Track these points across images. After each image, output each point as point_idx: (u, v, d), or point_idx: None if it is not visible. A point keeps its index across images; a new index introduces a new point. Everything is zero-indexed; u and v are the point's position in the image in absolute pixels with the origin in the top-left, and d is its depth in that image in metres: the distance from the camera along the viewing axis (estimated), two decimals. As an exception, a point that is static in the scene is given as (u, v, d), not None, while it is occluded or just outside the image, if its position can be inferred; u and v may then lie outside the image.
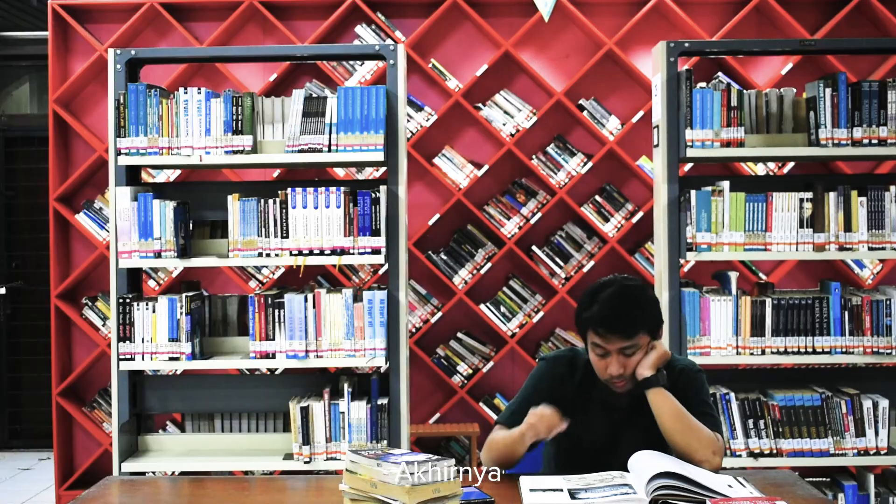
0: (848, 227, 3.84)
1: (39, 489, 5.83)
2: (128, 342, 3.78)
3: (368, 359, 3.77)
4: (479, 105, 5.41)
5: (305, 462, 3.77)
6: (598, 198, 5.39)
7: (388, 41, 5.26)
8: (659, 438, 2.60)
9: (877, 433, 3.87)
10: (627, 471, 2.45)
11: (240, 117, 3.77)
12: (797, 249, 3.85)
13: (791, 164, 5.21)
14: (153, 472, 3.87)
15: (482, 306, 5.37)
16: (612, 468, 2.54)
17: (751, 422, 3.87)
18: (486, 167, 5.38)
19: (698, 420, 2.59)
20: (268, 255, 3.74)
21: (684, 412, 2.57)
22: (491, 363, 5.37)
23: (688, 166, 4.96)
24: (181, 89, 3.78)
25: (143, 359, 3.77)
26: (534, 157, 5.37)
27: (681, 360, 2.75)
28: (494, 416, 5.31)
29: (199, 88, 3.78)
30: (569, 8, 5.24)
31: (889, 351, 3.86)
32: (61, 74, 5.45)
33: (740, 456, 3.87)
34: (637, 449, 2.53)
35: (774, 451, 3.88)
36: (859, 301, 3.87)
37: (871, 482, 4.05)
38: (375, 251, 3.75)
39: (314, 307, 3.76)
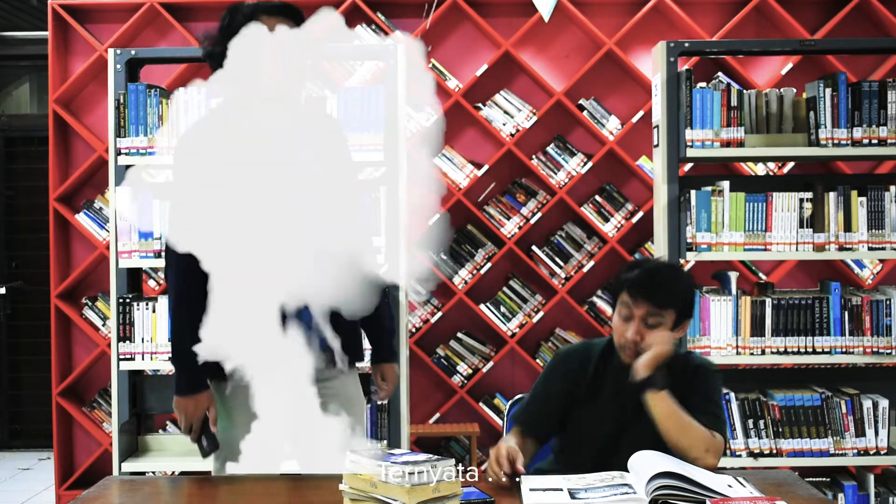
0: (848, 227, 3.85)
1: (39, 489, 5.83)
2: (128, 342, 3.78)
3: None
4: (479, 105, 5.41)
5: (305, 462, 3.77)
6: (598, 198, 5.39)
7: (388, 41, 5.26)
8: None
9: (877, 433, 3.87)
10: (635, 461, 2.45)
11: (240, 117, 3.77)
12: (797, 249, 3.86)
13: (791, 164, 5.21)
14: (153, 472, 3.87)
15: (482, 306, 5.37)
16: (619, 457, 2.53)
17: (751, 422, 3.87)
18: (486, 167, 5.38)
19: (701, 416, 2.59)
20: (268, 255, 3.74)
21: (678, 413, 2.55)
22: (491, 363, 5.37)
23: (688, 166, 4.96)
24: (181, 89, 3.78)
25: (143, 359, 3.78)
26: (534, 157, 5.38)
27: (698, 358, 2.77)
28: (494, 416, 5.32)
29: (199, 88, 3.78)
30: (569, 8, 5.24)
31: (889, 351, 3.87)
32: (61, 74, 5.45)
33: (740, 456, 3.87)
34: (644, 440, 2.55)
35: (774, 451, 3.88)
36: (859, 301, 3.88)
37: (870, 482, 4.05)
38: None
39: (314, 307, 3.76)
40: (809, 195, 3.84)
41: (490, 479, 2.51)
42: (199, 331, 2.55)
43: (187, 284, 2.63)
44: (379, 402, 3.81)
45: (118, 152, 3.79)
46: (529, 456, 2.70)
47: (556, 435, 2.79)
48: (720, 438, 2.61)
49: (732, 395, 3.88)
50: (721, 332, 3.86)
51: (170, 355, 2.74)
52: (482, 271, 5.35)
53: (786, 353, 3.88)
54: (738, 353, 3.86)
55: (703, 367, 2.73)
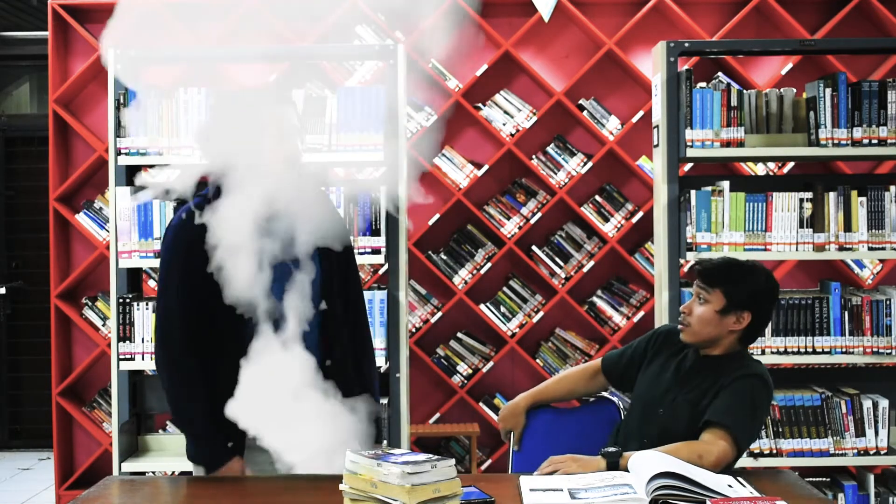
0: (848, 227, 3.85)
1: (39, 489, 5.83)
2: (128, 342, 3.78)
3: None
4: (479, 105, 5.41)
5: (305, 462, 3.76)
6: (598, 198, 5.39)
7: (388, 41, 5.26)
8: (702, 412, 2.70)
9: (877, 433, 3.87)
10: (635, 461, 2.45)
11: (240, 117, 3.77)
12: (797, 249, 3.86)
13: (791, 164, 5.21)
14: (153, 472, 3.87)
15: (482, 306, 5.37)
16: (658, 420, 2.76)
17: (751, 422, 3.87)
18: (486, 167, 5.38)
19: (720, 416, 2.65)
20: (268, 255, 3.74)
21: (648, 452, 2.53)
22: (491, 363, 5.37)
23: (688, 166, 4.96)
24: (181, 89, 3.78)
25: (143, 359, 3.77)
26: (534, 157, 5.37)
27: (753, 366, 2.80)
28: (494, 417, 5.31)
29: (199, 88, 3.78)
30: (569, 8, 5.24)
31: (889, 351, 3.87)
32: (61, 74, 5.45)
33: (740, 456, 3.87)
34: (679, 412, 2.73)
35: (774, 451, 3.88)
36: (859, 301, 3.88)
37: (870, 482, 4.05)
38: (375, 251, 3.75)
39: (314, 307, 3.76)
40: (809, 195, 3.84)
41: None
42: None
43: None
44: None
45: (118, 152, 3.79)
46: (600, 387, 3.09)
47: (622, 390, 3.09)
48: (722, 444, 2.59)
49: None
50: (721, 332, 3.85)
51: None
52: (482, 271, 5.35)
53: (786, 353, 3.88)
54: (738, 353, 3.86)
55: (750, 373, 2.75)
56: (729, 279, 2.78)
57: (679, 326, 2.85)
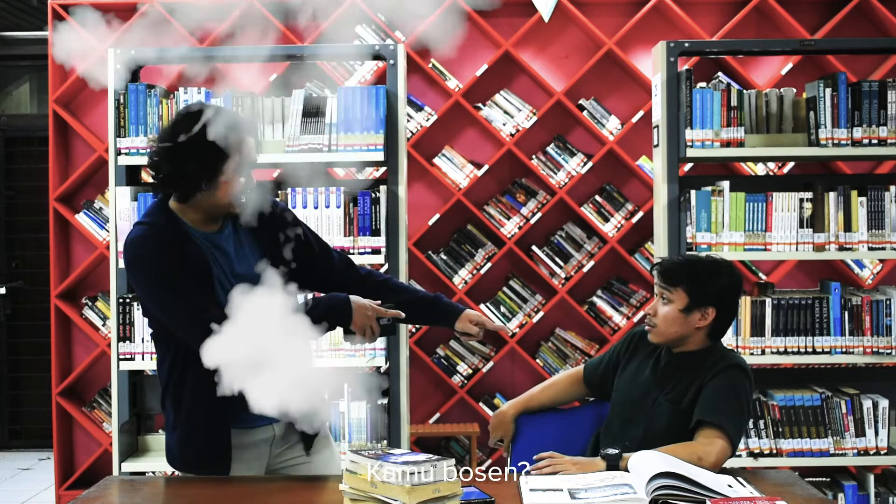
0: (848, 227, 3.85)
1: (39, 489, 5.83)
2: (128, 342, 3.78)
3: (368, 359, 3.77)
4: (479, 105, 5.41)
5: (305, 462, 3.77)
6: (598, 198, 5.39)
7: (388, 41, 5.26)
8: (685, 410, 2.70)
9: (877, 433, 3.87)
10: (635, 461, 2.45)
11: (240, 117, 3.77)
12: (797, 249, 3.86)
13: (791, 164, 5.21)
14: (153, 472, 3.87)
15: (482, 306, 5.37)
16: (637, 422, 2.75)
17: (751, 422, 3.87)
18: (486, 167, 5.38)
19: (708, 413, 2.65)
20: (268, 255, 3.74)
21: (648, 453, 2.53)
22: (491, 363, 5.37)
23: (688, 166, 4.96)
24: (181, 89, 3.78)
25: (143, 359, 3.77)
26: (534, 157, 5.38)
27: (729, 357, 2.80)
28: (494, 416, 5.32)
29: (199, 88, 3.78)
30: (569, 8, 5.24)
31: (889, 351, 3.87)
32: (61, 74, 5.45)
33: (740, 456, 3.87)
34: (660, 412, 2.73)
35: (774, 451, 3.88)
36: (859, 301, 3.88)
37: (870, 482, 4.05)
38: (375, 251, 3.75)
39: (314, 307, 3.76)
40: (809, 195, 3.84)
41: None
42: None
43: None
44: (378, 402, 3.82)
45: (118, 152, 3.80)
46: (578, 396, 3.07)
47: (601, 397, 3.03)
48: (719, 444, 2.59)
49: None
50: (721, 332, 3.85)
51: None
52: (482, 271, 5.35)
53: (786, 353, 3.88)
54: (738, 353, 3.86)
55: (728, 365, 2.75)
56: (689, 278, 2.78)
57: (646, 328, 2.85)
